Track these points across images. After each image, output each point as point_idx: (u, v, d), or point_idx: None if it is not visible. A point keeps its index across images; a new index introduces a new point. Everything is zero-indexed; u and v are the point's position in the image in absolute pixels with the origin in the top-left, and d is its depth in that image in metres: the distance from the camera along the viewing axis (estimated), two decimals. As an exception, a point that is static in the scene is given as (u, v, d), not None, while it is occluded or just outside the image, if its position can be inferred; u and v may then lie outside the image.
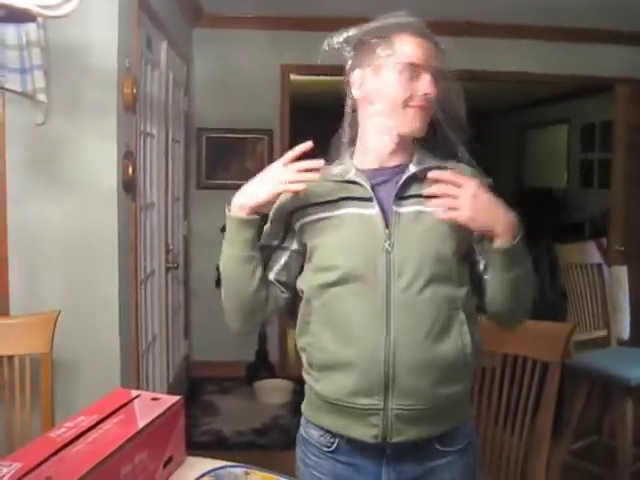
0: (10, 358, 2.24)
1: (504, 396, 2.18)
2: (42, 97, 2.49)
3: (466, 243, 1.60)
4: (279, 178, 1.55)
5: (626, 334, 4.02)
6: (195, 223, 5.18)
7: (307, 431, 1.71)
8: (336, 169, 1.64)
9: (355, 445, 1.61)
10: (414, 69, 1.56)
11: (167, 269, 4.13)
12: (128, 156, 2.95)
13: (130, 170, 2.95)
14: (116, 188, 2.82)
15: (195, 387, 5.10)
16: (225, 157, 5.30)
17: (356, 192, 1.60)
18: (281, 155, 1.61)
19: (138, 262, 3.26)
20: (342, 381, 1.57)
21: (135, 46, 3.08)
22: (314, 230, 1.62)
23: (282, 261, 1.69)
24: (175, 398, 1.45)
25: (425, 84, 1.57)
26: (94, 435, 1.23)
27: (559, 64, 5.39)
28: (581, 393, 3.49)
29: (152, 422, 1.32)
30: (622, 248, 5.24)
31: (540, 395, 2.14)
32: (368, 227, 1.57)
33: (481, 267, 1.63)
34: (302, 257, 1.68)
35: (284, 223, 1.68)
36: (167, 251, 4.11)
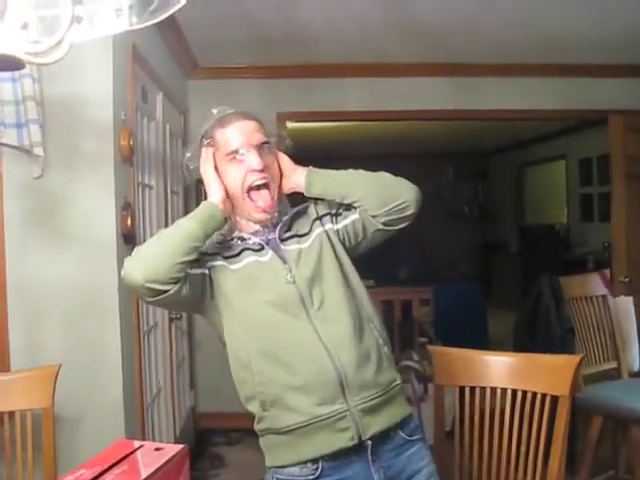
0: (11, 414, 2.21)
1: (514, 435, 2.14)
2: (38, 151, 2.50)
3: (347, 251, 1.90)
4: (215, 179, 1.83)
5: (636, 365, 3.97)
6: (197, 273, 5.16)
7: (284, 473, 1.79)
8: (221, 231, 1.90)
9: (338, 459, 1.74)
10: (239, 152, 1.81)
11: (170, 320, 4.10)
12: (126, 207, 2.95)
13: (129, 221, 2.95)
14: (115, 239, 2.82)
15: (202, 439, 5.03)
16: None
17: (250, 244, 1.86)
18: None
19: (140, 313, 3.24)
20: (303, 401, 1.72)
21: (130, 98, 3.11)
22: (227, 278, 1.81)
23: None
24: (179, 447, 1.42)
25: (252, 159, 1.81)
26: (95, 487, 1.20)
27: (552, 100, 5.44)
28: (594, 427, 3.43)
29: (156, 472, 1.29)
30: (627, 279, 5.21)
31: (552, 431, 2.10)
32: (270, 268, 1.82)
33: (352, 218, 1.90)
34: (205, 284, 1.82)
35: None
36: (169, 302, 4.09)
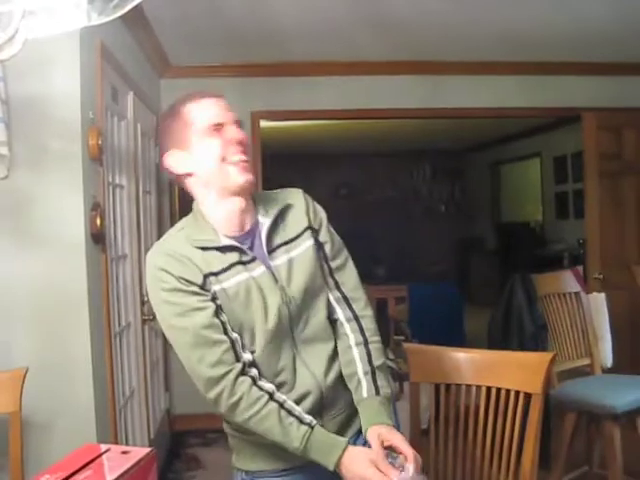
0: (-23, 419, 2.17)
1: (489, 432, 2.14)
2: (4, 150, 2.46)
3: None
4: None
5: (609, 361, 4.00)
6: (171, 274, 5.11)
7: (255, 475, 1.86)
8: (200, 235, 1.71)
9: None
10: (217, 126, 1.67)
11: (143, 321, 4.06)
12: (96, 207, 2.91)
13: (98, 221, 2.91)
14: (84, 240, 2.77)
15: (178, 441, 4.99)
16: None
17: (240, 257, 1.68)
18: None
19: (111, 315, 3.20)
20: None
21: (99, 97, 3.07)
22: (222, 298, 1.66)
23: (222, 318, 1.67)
24: (146, 450, 1.40)
25: (232, 132, 1.68)
26: (57, 493, 1.18)
27: (526, 98, 5.46)
28: (568, 424, 3.45)
29: (122, 475, 1.27)
30: (601, 276, 5.24)
31: (525, 428, 2.10)
32: (260, 288, 1.67)
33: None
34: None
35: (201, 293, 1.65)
36: (142, 303, 4.05)
